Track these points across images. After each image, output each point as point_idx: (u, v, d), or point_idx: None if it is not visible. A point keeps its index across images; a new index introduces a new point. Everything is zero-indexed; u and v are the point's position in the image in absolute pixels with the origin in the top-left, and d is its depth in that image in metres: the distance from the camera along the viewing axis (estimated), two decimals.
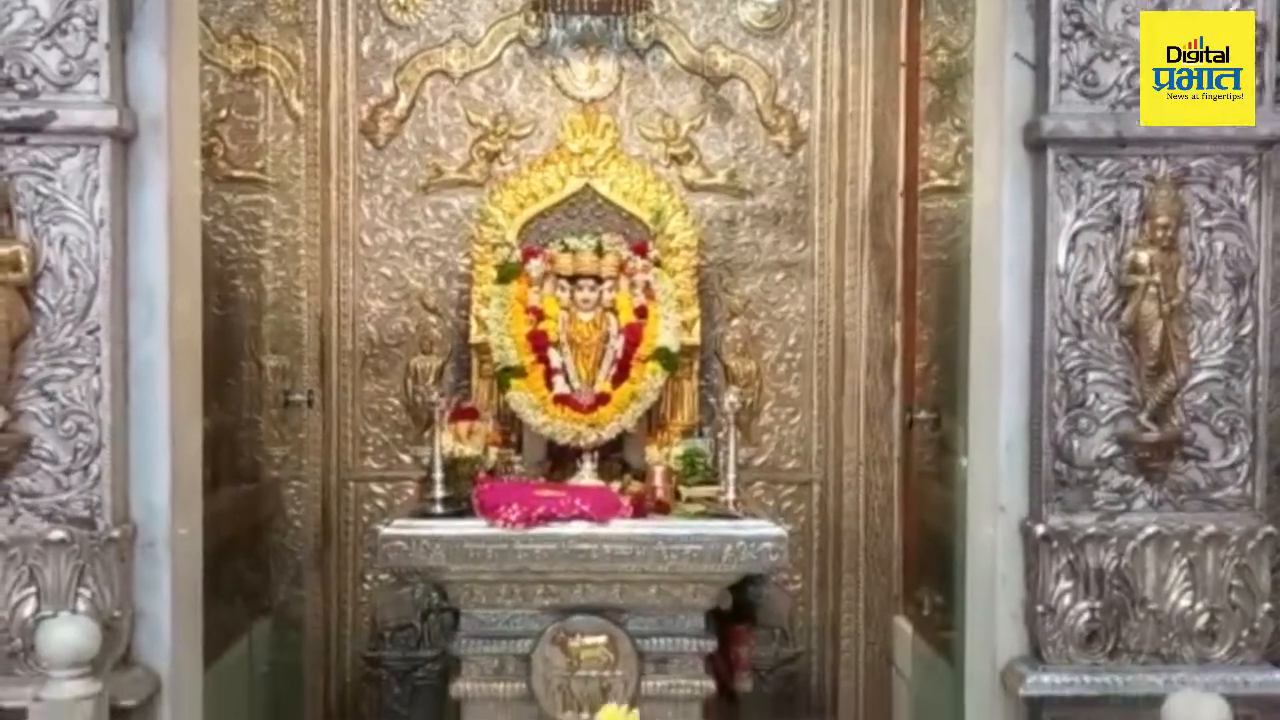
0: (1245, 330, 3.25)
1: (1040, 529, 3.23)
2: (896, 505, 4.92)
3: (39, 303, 3.12)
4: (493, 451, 4.81)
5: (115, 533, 3.14)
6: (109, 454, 3.12)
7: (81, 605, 3.12)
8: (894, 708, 4.91)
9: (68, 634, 2.90)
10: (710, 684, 4.52)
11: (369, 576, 5.55)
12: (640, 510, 4.47)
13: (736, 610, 5.36)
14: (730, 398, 4.64)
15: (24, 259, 3.09)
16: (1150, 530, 3.24)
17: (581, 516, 4.34)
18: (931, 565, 4.36)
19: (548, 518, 4.33)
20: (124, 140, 3.16)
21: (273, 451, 4.96)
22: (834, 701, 5.56)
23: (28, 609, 3.13)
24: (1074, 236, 3.22)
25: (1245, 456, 3.25)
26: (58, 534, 3.12)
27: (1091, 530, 3.24)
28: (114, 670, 3.13)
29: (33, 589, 3.13)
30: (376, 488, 5.49)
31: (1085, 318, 3.23)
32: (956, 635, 3.73)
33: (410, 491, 5.30)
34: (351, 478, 5.49)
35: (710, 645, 4.53)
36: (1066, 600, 3.25)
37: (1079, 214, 3.22)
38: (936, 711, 4.12)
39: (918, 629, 4.58)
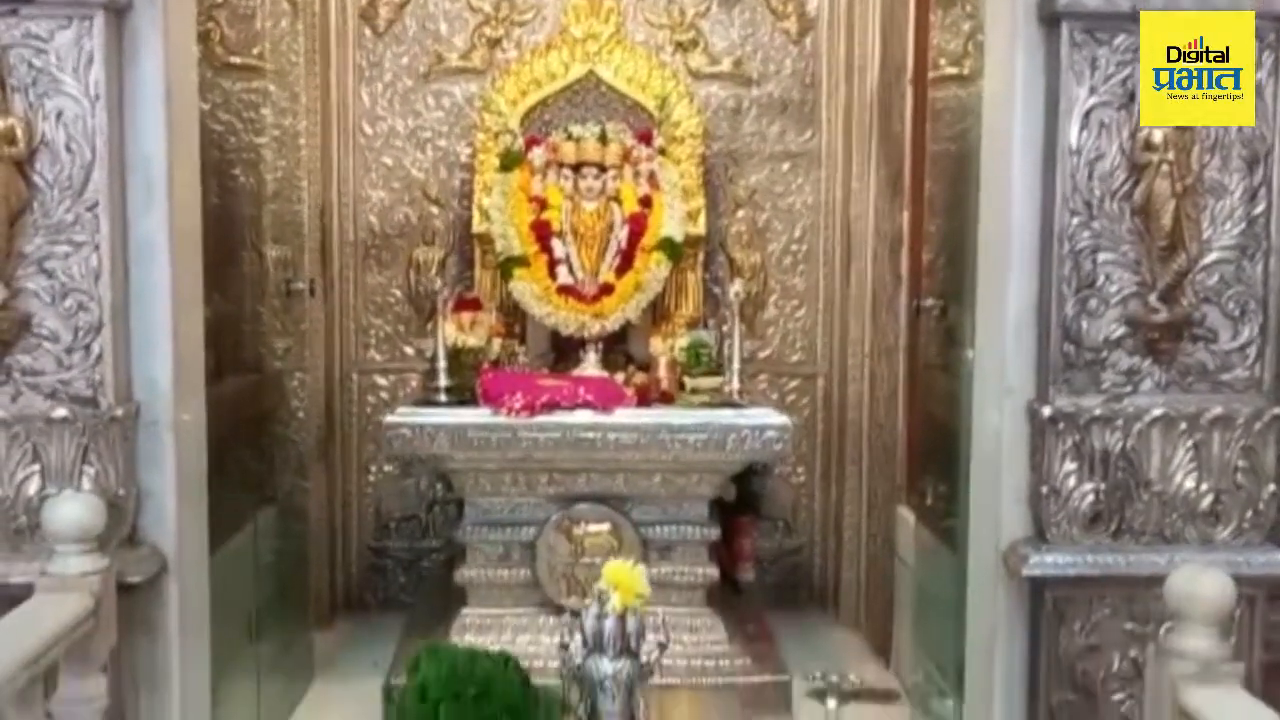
0: (1258, 210, 3.20)
1: (1047, 410, 3.22)
2: (901, 396, 4.90)
3: (36, 178, 3.07)
4: (496, 343, 4.80)
5: (118, 411, 3.12)
6: (110, 332, 3.10)
7: (86, 483, 3.11)
8: (896, 596, 4.95)
9: (73, 510, 2.89)
10: (714, 572, 4.56)
11: (373, 468, 5.59)
12: (644, 400, 4.48)
13: (740, 502, 5.40)
14: (735, 287, 4.62)
15: (19, 133, 3.04)
16: (1157, 412, 3.22)
17: (586, 405, 4.35)
18: (936, 455, 4.35)
19: (552, 406, 4.33)
20: (118, 12, 3.09)
21: (275, 343, 4.94)
22: (835, 592, 5.62)
23: (32, 487, 3.12)
24: (1087, 114, 3.16)
25: (1254, 338, 3.22)
26: (60, 412, 3.11)
27: (1098, 412, 3.22)
28: (120, 548, 3.13)
29: (37, 467, 3.12)
30: (380, 379, 5.50)
31: (1097, 198, 3.18)
32: (959, 522, 3.73)
33: (413, 384, 5.31)
34: (355, 370, 5.50)
35: (714, 534, 4.57)
36: (1071, 482, 3.24)
37: (1092, 90, 3.15)
38: (938, 598, 4.14)
39: (920, 518, 4.59)
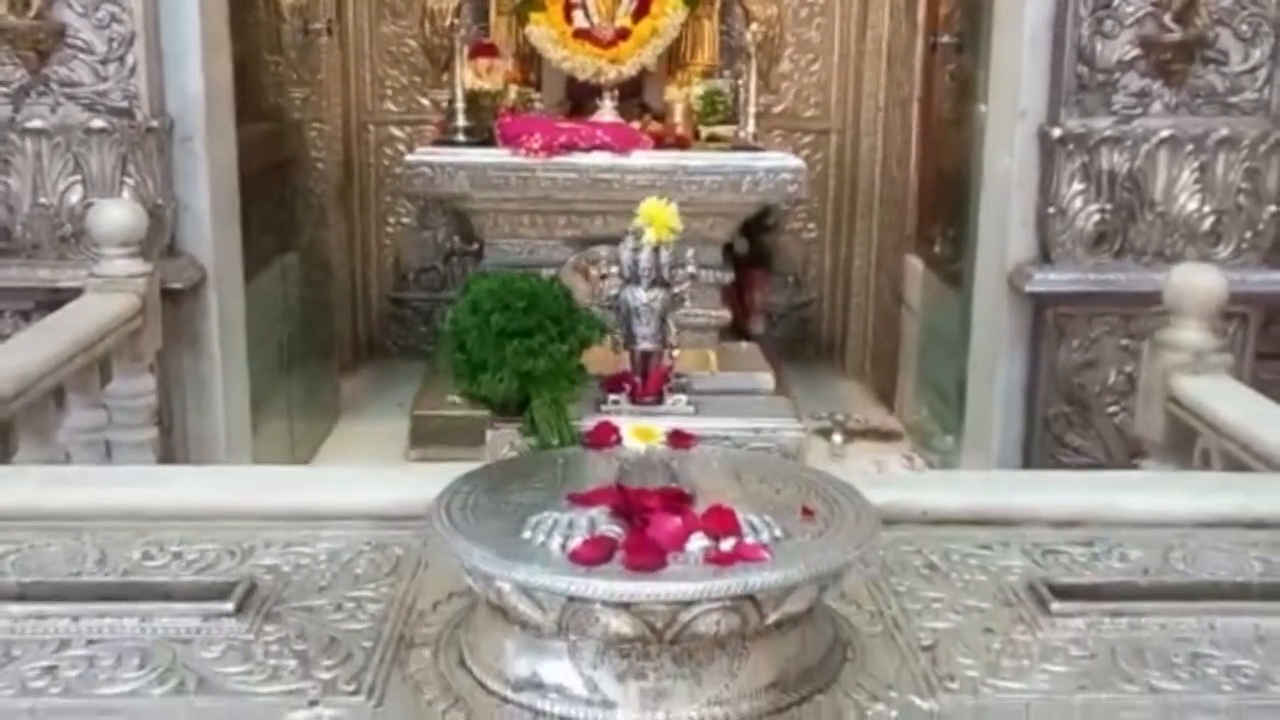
0: None
1: (1057, 131, 3.29)
2: (914, 146, 4.95)
3: None
4: (512, 89, 4.82)
5: (154, 123, 3.21)
6: (143, 44, 3.15)
7: (126, 193, 3.22)
8: (901, 343, 5.10)
9: (117, 214, 3.01)
10: (726, 314, 4.70)
11: (391, 220, 5.68)
12: (660, 145, 4.53)
13: (752, 257, 5.52)
14: (752, 27, 4.62)
15: None
16: (1165, 133, 3.30)
17: (603, 147, 4.40)
18: (946, 202, 4.44)
19: (569, 147, 4.38)
20: None
21: (293, 93, 4.96)
22: (843, 344, 5.78)
23: (75, 196, 3.23)
24: None
25: (1264, 61, 3.27)
26: (98, 123, 3.19)
27: (1108, 133, 3.29)
28: (161, 258, 3.25)
29: (78, 177, 3.22)
30: (396, 131, 5.54)
31: None
32: (966, 258, 3.85)
33: (430, 136, 5.34)
34: (371, 120, 5.53)
35: (727, 277, 4.67)
36: (1078, 203, 3.34)
37: None
38: (943, 337, 4.29)
39: (928, 264, 4.71)
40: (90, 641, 1.48)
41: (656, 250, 2.45)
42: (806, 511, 1.46)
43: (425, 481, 1.61)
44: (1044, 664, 1.48)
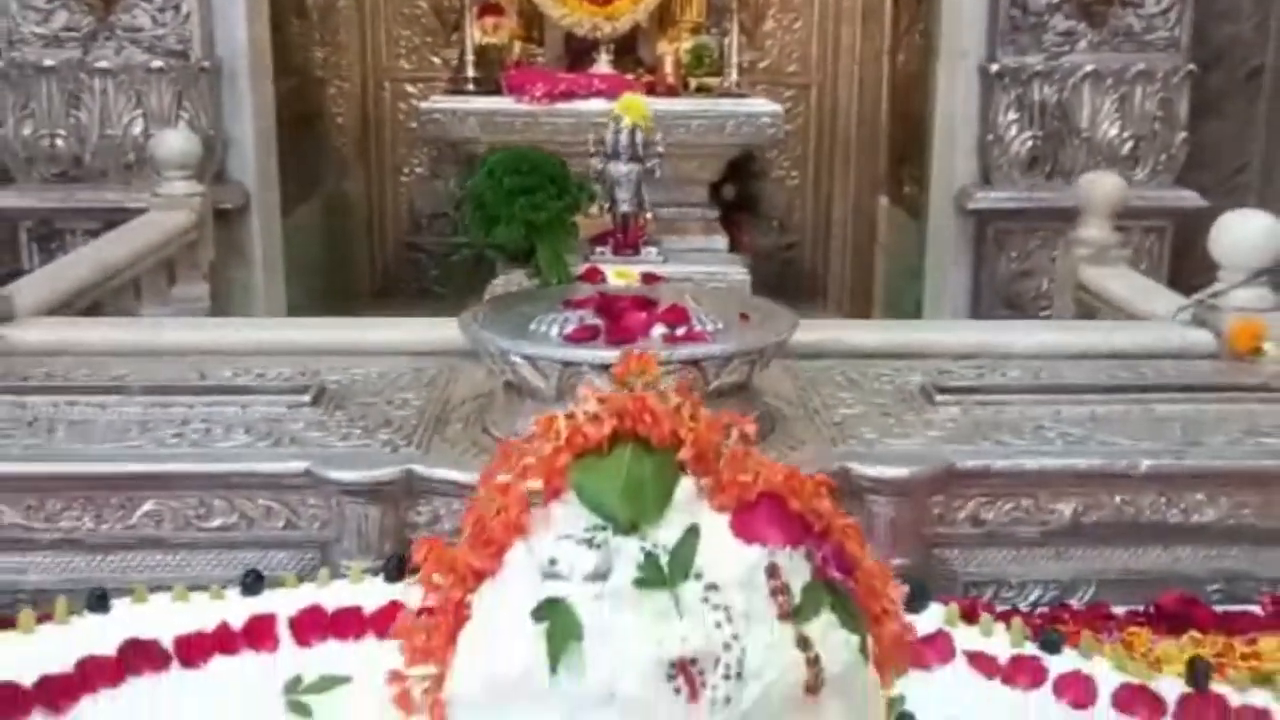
0: None
1: (994, 68, 3.76)
2: (885, 96, 5.41)
3: None
4: (516, 45, 5.29)
5: (205, 64, 3.68)
6: None
7: (181, 125, 3.70)
8: (875, 278, 5.57)
9: (177, 141, 3.49)
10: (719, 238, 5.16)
11: (405, 170, 6.13)
12: (651, 93, 4.99)
13: (740, 202, 5.97)
14: None
15: None
16: (1089, 68, 3.76)
17: (599, 95, 4.86)
18: (911, 145, 4.90)
19: (569, 95, 4.85)
20: None
21: (315, 53, 5.41)
22: (824, 284, 6.25)
23: (137, 127, 3.71)
24: None
25: (1175, 3, 3.73)
26: (157, 64, 3.67)
27: (1038, 69, 3.76)
28: (212, 184, 3.73)
29: (140, 111, 3.71)
30: (409, 87, 5.98)
31: None
32: (924, 194, 4.32)
33: (441, 91, 5.80)
34: (387, 78, 5.99)
35: (713, 214, 5.14)
36: (1013, 131, 3.81)
37: None
38: (906, 263, 4.76)
39: (894, 202, 5.18)
40: (204, 420, 1.97)
41: (633, 132, 2.95)
42: (743, 316, 1.95)
43: (451, 327, 2.08)
44: (925, 431, 1.97)
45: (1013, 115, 3.79)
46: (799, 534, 0.93)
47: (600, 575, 0.88)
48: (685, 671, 0.87)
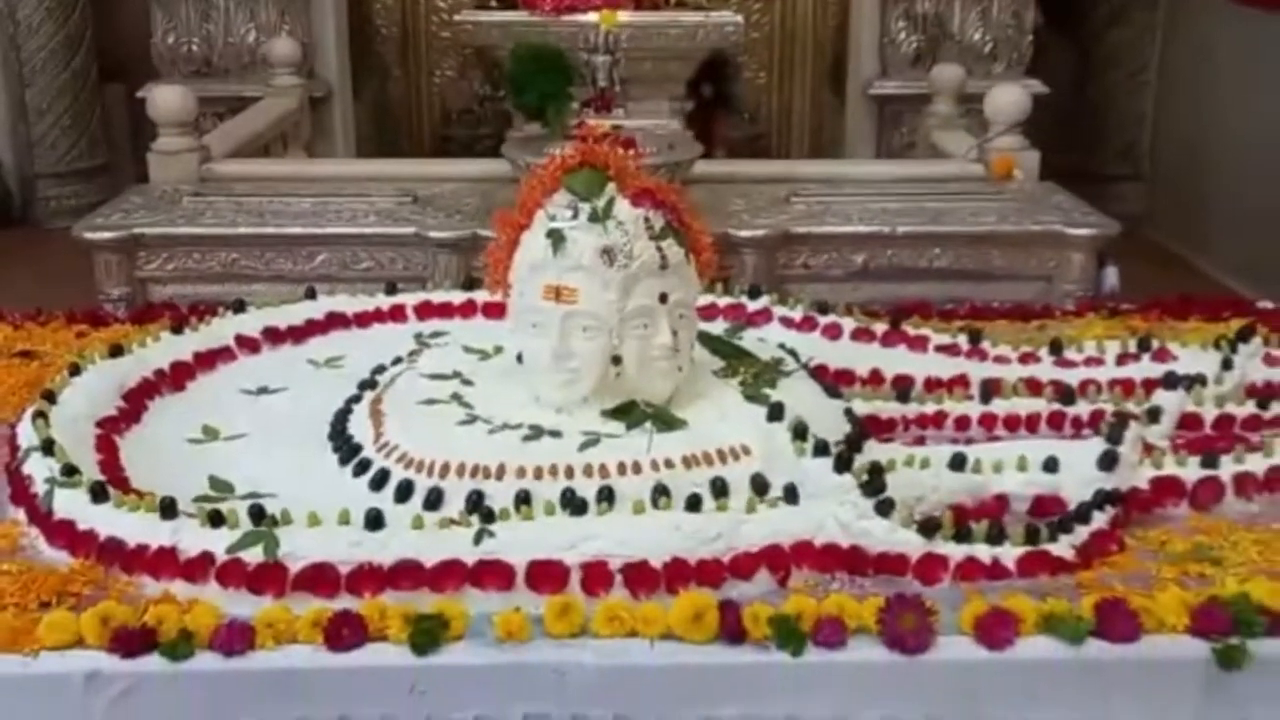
0: None
1: None
2: (833, 8, 6.63)
3: None
4: None
5: None
6: None
7: (284, 33, 4.99)
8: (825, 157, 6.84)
9: (285, 45, 4.79)
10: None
11: (437, 72, 7.39)
12: (640, 7, 6.24)
13: (715, 99, 7.21)
14: None
15: None
16: None
17: (595, 8, 6.11)
18: (845, 48, 6.16)
19: (572, 8, 6.11)
20: None
21: None
22: None
23: (251, 36, 5.02)
24: None
25: None
26: None
27: None
28: (308, 78, 5.03)
29: (253, 23, 5.01)
30: (440, 2, 7.21)
31: None
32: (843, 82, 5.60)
33: (467, 3, 7.02)
34: None
35: (689, 105, 6.41)
36: (903, 35, 5.08)
37: None
38: (837, 144, 6.05)
39: (835, 94, 6.43)
40: (351, 209, 3.30)
41: (607, 35, 4.25)
42: (670, 147, 3.27)
43: (490, 164, 3.38)
44: (779, 216, 3.29)
45: (903, 24, 5.06)
46: (660, 204, 2.26)
47: (573, 218, 2.21)
48: (609, 253, 2.19)
